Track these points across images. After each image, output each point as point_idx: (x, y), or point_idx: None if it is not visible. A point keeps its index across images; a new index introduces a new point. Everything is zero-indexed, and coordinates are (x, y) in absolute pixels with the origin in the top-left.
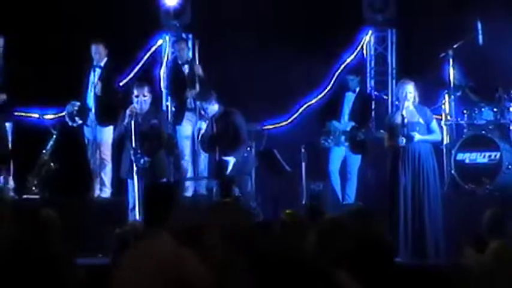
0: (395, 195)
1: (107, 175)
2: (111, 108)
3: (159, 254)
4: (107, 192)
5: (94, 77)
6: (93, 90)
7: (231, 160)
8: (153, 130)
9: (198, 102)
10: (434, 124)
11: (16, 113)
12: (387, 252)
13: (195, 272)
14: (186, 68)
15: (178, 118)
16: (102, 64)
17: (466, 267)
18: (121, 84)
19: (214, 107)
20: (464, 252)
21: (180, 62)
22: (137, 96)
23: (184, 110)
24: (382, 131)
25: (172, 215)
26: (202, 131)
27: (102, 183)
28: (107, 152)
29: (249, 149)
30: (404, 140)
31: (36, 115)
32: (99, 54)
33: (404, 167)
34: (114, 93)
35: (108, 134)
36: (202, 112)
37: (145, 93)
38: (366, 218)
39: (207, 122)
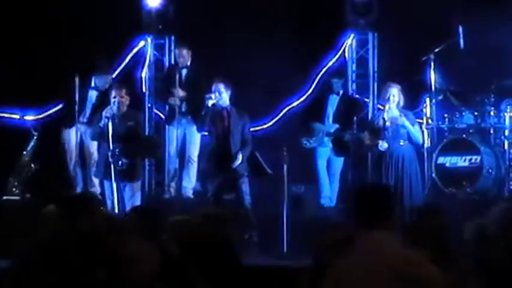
0: None
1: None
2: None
3: (389, 254)
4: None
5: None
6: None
7: (240, 156)
8: (129, 132)
9: (213, 86)
10: (417, 127)
11: None
12: (232, 254)
13: (427, 271)
14: (183, 72)
15: (169, 119)
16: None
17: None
18: None
19: (227, 98)
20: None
21: (177, 64)
22: (114, 97)
23: (175, 111)
24: (365, 132)
25: (390, 216)
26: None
27: (91, 184)
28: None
29: None
30: (384, 145)
31: (17, 116)
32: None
33: (388, 170)
34: None
35: None
36: (216, 94)
37: (123, 95)
38: (216, 221)
39: (217, 114)
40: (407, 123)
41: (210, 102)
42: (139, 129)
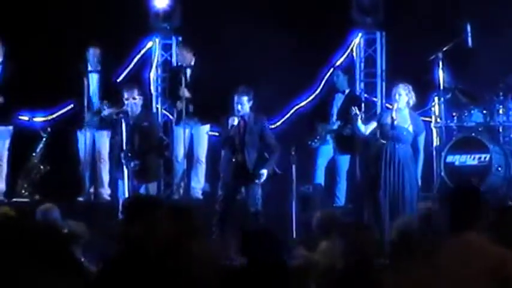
0: (377, 195)
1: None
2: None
3: (484, 253)
4: (106, 193)
5: (92, 79)
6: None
7: (265, 172)
8: (143, 133)
9: (236, 97)
10: (422, 139)
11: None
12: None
13: None
14: (188, 71)
15: (177, 119)
16: (99, 68)
17: (294, 266)
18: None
19: (247, 107)
20: (295, 252)
21: (181, 64)
22: (127, 99)
23: (182, 112)
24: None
25: (480, 216)
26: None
27: (101, 185)
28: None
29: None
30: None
31: (26, 118)
32: (96, 57)
33: (386, 168)
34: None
35: (106, 134)
36: (239, 107)
37: (135, 96)
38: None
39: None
40: (410, 130)
41: (235, 121)
42: (154, 130)
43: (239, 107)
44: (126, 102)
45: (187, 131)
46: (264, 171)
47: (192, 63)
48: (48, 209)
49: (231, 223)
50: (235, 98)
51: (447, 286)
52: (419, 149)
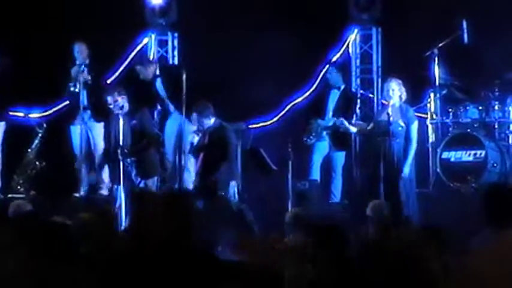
0: (374, 191)
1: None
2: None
3: None
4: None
5: (79, 75)
6: (84, 88)
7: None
8: (134, 130)
9: (195, 116)
10: (413, 128)
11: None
12: None
13: None
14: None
15: (164, 115)
16: (87, 62)
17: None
18: (108, 82)
19: (210, 121)
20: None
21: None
22: (111, 104)
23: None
24: (360, 122)
25: None
26: (194, 140)
27: (101, 180)
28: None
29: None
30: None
31: (21, 114)
32: (82, 53)
33: (383, 164)
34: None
35: (100, 128)
36: (199, 126)
37: (117, 98)
38: None
39: (201, 134)
40: (403, 124)
41: (195, 139)
42: (145, 126)
43: (200, 126)
44: (110, 107)
45: (174, 126)
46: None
47: (157, 72)
48: (20, 205)
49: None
50: (197, 118)
51: (484, 284)
52: (411, 139)
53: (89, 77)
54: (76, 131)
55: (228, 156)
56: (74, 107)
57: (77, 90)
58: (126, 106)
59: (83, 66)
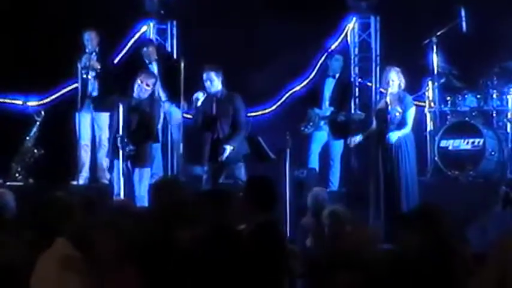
0: (376, 181)
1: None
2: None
3: None
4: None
5: (90, 63)
6: (91, 75)
7: (228, 148)
8: (142, 118)
9: (205, 73)
10: (409, 114)
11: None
12: None
13: None
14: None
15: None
16: (97, 50)
17: None
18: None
19: (219, 84)
20: None
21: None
22: (141, 82)
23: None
24: (359, 111)
25: None
26: (199, 103)
27: (101, 168)
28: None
29: None
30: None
31: (20, 102)
32: (92, 41)
33: (383, 154)
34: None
35: (106, 118)
36: (208, 83)
37: (149, 83)
38: None
39: (208, 101)
40: (399, 110)
41: (199, 102)
42: (153, 118)
43: (208, 83)
44: (136, 84)
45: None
46: (227, 147)
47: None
48: (1, 193)
49: None
50: (204, 75)
51: None
52: (407, 123)
53: (99, 65)
54: (84, 119)
55: (238, 130)
56: (82, 95)
57: (89, 77)
58: (146, 96)
59: (94, 53)
